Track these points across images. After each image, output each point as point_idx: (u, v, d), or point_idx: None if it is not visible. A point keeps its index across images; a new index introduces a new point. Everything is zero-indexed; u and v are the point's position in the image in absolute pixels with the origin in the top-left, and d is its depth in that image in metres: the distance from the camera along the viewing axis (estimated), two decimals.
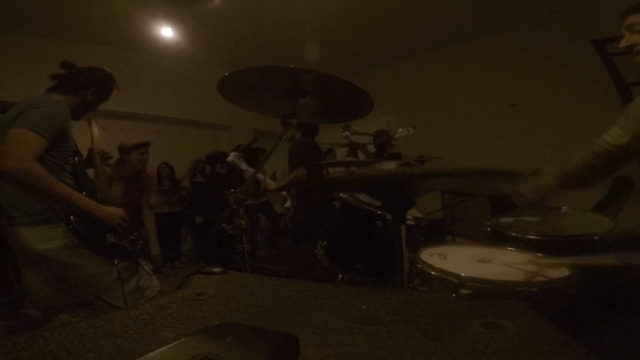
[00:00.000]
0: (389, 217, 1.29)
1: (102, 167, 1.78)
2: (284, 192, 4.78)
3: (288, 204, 5.06)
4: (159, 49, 4.31)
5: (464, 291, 0.52)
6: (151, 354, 0.30)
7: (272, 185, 4.01)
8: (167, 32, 3.99)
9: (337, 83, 1.06)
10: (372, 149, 3.47)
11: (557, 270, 0.86)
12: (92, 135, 1.76)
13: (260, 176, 3.78)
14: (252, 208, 4.85)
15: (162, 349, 0.31)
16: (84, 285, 1.46)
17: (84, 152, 1.80)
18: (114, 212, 1.42)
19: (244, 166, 2.58)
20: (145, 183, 3.70)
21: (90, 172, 1.70)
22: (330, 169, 1.64)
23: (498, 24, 4.20)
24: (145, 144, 3.49)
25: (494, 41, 4.47)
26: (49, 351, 0.37)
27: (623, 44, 1.07)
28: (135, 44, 4.13)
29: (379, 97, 1.21)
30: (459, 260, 1.03)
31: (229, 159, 2.47)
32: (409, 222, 1.19)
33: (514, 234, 1.26)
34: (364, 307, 0.50)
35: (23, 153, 1.18)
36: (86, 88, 1.49)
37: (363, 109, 1.23)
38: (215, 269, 0.65)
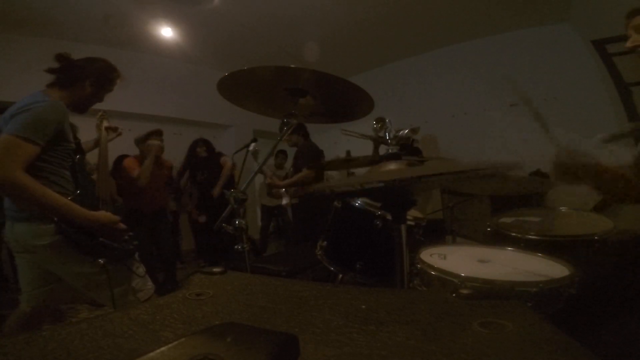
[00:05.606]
0: (388, 217, 1.29)
1: (106, 167, 1.77)
2: (282, 190, 4.78)
3: (285, 201, 5.07)
4: (159, 49, 4.31)
5: (464, 291, 0.51)
6: (151, 354, 0.30)
7: (278, 181, 4.02)
8: (167, 32, 3.99)
9: (336, 82, 1.06)
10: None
11: (557, 270, 0.86)
12: (100, 135, 1.77)
13: (267, 172, 3.77)
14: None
15: (162, 349, 0.31)
16: (75, 283, 1.44)
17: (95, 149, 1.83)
18: (104, 218, 1.37)
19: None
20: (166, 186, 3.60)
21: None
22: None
23: (498, 24, 4.19)
24: (158, 132, 3.37)
25: (493, 41, 4.47)
26: (49, 351, 0.37)
27: (629, 44, 1.05)
28: (135, 44, 4.12)
29: (379, 97, 1.21)
30: (459, 260, 1.03)
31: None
32: (409, 222, 1.19)
33: (514, 234, 1.26)
34: (364, 307, 0.50)
35: (9, 162, 1.17)
36: (83, 80, 1.46)
37: (362, 108, 1.23)
38: (215, 269, 0.65)
